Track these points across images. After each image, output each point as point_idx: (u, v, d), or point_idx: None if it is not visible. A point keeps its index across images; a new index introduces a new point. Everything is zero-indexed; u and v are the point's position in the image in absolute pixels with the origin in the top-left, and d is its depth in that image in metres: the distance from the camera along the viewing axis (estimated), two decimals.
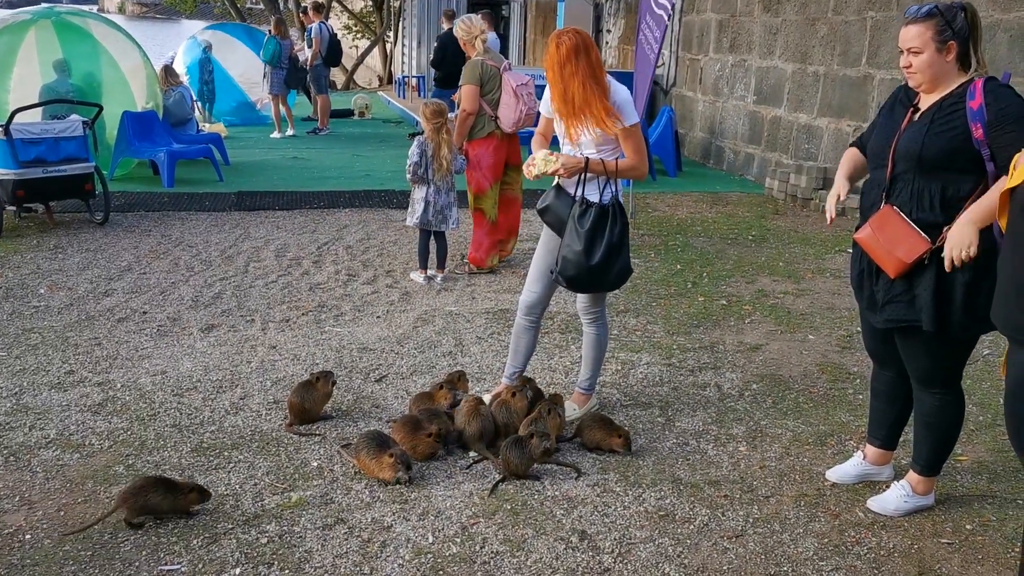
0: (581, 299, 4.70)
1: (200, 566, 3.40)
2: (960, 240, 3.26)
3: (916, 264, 3.47)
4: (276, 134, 16.15)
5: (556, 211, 4.44)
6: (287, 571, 3.38)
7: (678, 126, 14.09)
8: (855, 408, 5.02)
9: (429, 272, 7.43)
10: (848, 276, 4.15)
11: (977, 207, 3.31)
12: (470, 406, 4.46)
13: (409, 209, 7.41)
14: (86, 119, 9.15)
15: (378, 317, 6.48)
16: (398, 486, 4.01)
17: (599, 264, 4.29)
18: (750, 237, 9.31)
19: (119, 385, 5.17)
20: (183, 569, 3.39)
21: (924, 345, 3.63)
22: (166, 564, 3.41)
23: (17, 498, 3.88)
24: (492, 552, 3.53)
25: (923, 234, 3.45)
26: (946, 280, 3.47)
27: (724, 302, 7.00)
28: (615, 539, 3.63)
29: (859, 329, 6.03)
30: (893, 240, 3.50)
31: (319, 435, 4.55)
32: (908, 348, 3.71)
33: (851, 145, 3.94)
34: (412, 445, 4.26)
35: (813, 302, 7.07)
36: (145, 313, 6.49)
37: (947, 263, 3.31)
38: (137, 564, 3.41)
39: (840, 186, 3.84)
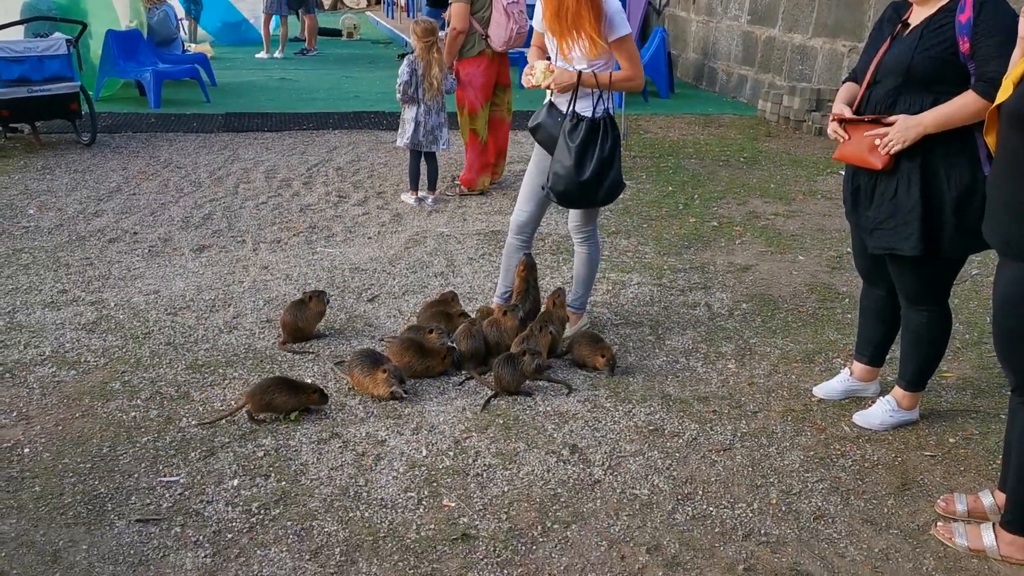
0: (573, 217, 4.67)
1: (198, 478, 3.45)
2: (903, 133, 3.37)
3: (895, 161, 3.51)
4: (263, 54, 15.87)
5: (548, 128, 4.37)
6: (284, 482, 3.43)
7: (671, 47, 13.87)
8: (843, 327, 5.05)
9: (420, 194, 7.37)
10: (840, 198, 4.13)
11: (935, 111, 3.32)
12: (463, 328, 4.48)
13: (399, 130, 7.30)
14: (70, 37, 8.92)
15: (369, 238, 6.45)
16: (392, 402, 4.06)
17: (590, 179, 4.24)
18: (742, 159, 9.24)
19: (112, 304, 5.16)
20: (182, 480, 3.43)
21: (913, 266, 3.65)
22: (165, 476, 3.46)
23: (15, 413, 3.90)
24: (485, 465, 3.58)
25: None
26: (934, 201, 3.47)
27: (715, 223, 6.98)
28: (605, 452, 3.68)
29: (849, 250, 6.13)
30: (866, 143, 3.53)
31: (312, 353, 4.56)
32: (897, 269, 3.73)
33: (845, 81, 3.89)
34: (426, 366, 4.27)
35: (803, 223, 7.06)
36: (136, 234, 6.44)
37: (881, 145, 3.43)
38: (136, 476, 3.45)
39: (839, 108, 3.79)
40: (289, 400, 3.84)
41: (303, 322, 4.66)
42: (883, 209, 3.62)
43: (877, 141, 3.50)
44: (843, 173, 3.91)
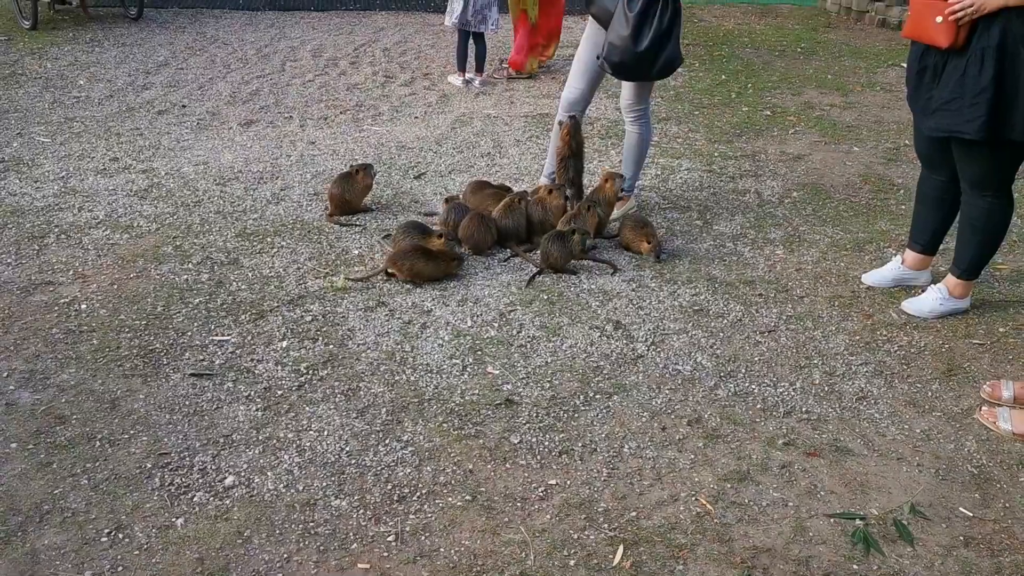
0: (625, 95, 4.54)
1: (248, 338, 3.50)
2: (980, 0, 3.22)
3: (964, 32, 3.32)
4: None
5: (603, 2, 4.20)
6: (331, 346, 3.46)
7: None
8: (896, 218, 4.92)
9: (467, 75, 7.23)
10: (902, 92, 3.94)
11: None
12: (508, 202, 4.41)
13: (448, 8, 7.14)
14: None
15: (416, 118, 6.37)
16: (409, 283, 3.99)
17: (646, 50, 4.10)
18: (799, 49, 8.91)
19: (163, 173, 5.19)
20: (233, 340, 3.50)
21: (980, 150, 3.50)
22: (217, 335, 3.54)
23: (71, 272, 3.97)
24: (528, 336, 3.59)
25: None
26: (1007, 84, 3.30)
27: (768, 113, 6.79)
28: (649, 329, 3.67)
29: (907, 143, 5.92)
30: (930, 10, 3.38)
31: (359, 226, 4.55)
32: (962, 153, 3.58)
33: None
34: (432, 270, 4.07)
35: (860, 115, 6.82)
36: (184, 107, 6.42)
37: (949, 11, 3.27)
38: (190, 334, 3.52)
39: None
40: (429, 267, 3.92)
41: (350, 194, 4.64)
42: (949, 89, 3.44)
43: (940, 18, 3.33)
44: (904, 66, 3.71)
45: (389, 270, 3.95)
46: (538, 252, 4.21)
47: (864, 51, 8.94)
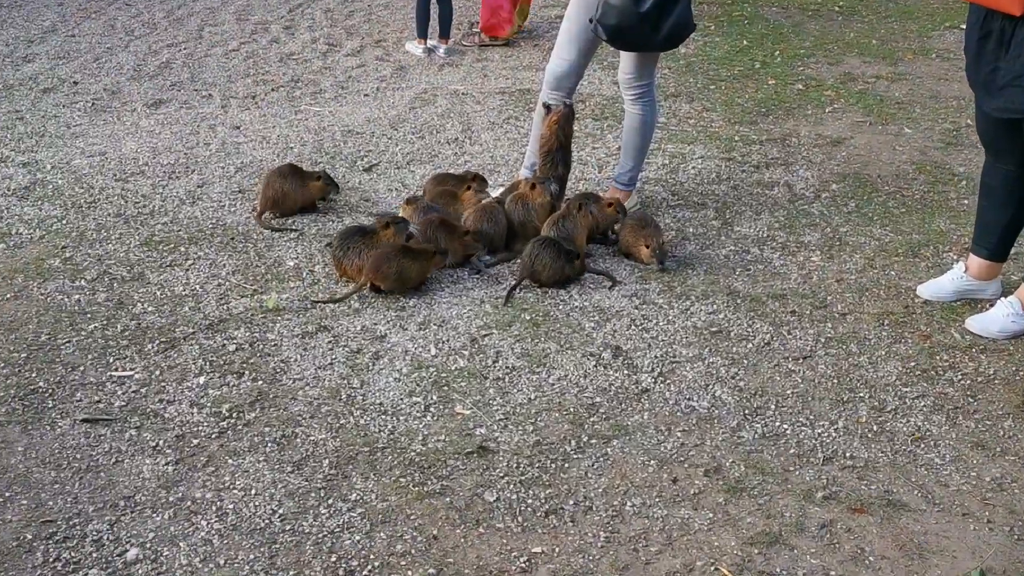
0: (625, 66, 4.51)
1: (157, 373, 3.45)
2: None
3: None
4: None
5: None
6: (260, 382, 3.41)
7: None
8: (958, 215, 4.93)
9: (429, 43, 7.21)
10: (962, 61, 3.96)
11: None
12: (483, 205, 4.38)
13: None
14: None
15: (366, 96, 6.35)
16: (392, 293, 3.99)
17: (650, 11, 4.07)
18: (836, 8, 8.95)
19: (48, 167, 5.14)
20: (137, 375, 3.44)
21: None
22: (117, 370, 3.48)
23: None
24: (507, 367, 3.53)
25: None
26: None
27: (800, 86, 6.80)
28: (656, 356, 3.62)
29: (969, 122, 5.92)
30: None
31: (295, 231, 4.51)
32: None
33: None
34: (450, 249, 4.19)
35: (912, 89, 6.85)
36: (76, 84, 6.37)
37: None
38: (82, 369, 3.46)
39: None
40: (417, 267, 3.96)
41: (298, 195, 4.56)
42: (1022, 62, 3.48)
43: None
44: (964, 28, 3.72)
45: (374, 283, 3.95)
46: (519, 261, 4.17)
47: (915, 10, 8.97)
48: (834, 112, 6.40)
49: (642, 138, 4.66)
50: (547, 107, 4.49)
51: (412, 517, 2.83)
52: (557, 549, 2.73)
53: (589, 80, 6.53)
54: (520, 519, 2.84)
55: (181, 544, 2.70)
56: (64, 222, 4.55)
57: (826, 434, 3.26)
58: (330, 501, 2.88)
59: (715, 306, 4.05)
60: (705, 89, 6.71)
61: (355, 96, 6.36)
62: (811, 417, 3.34)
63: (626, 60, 4.50)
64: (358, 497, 2.90)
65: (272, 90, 6.40)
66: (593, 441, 3.17)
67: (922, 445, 3.22)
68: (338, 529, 2.78)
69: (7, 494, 2.86)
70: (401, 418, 3.25)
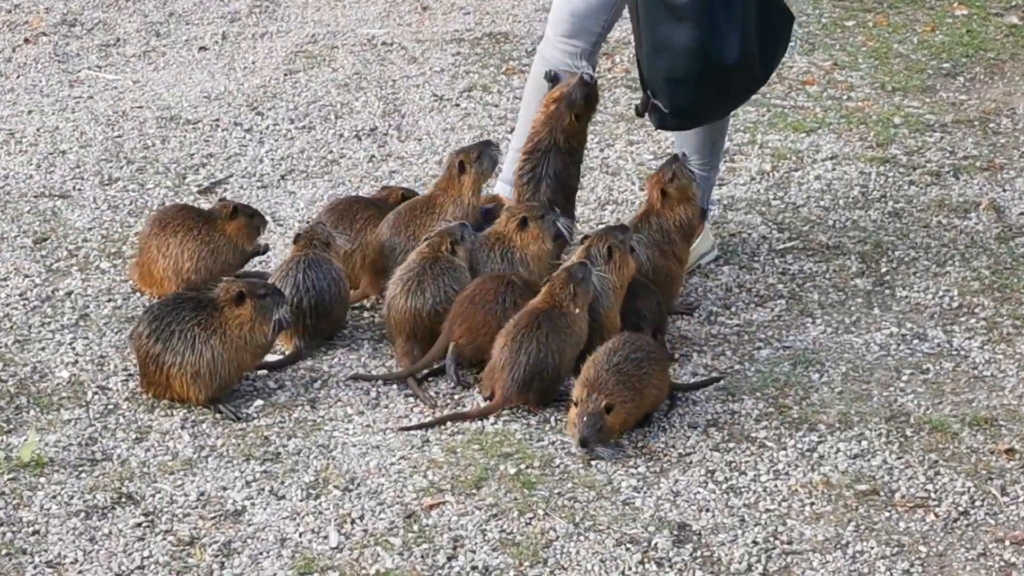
0: None
1: None
2: None
3: None
4: None
5: None
6: None
7: None
8: None
9: None
10: None
11: None
12: (426, 250, 3.79)
13: None
14: None
15: (202, 50, 5.69)
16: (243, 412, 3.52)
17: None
18: None
19: None
20: None
21: None
22: None
23: None
24: (476, 571, 3.09)
25: None
26: None
27: (1018, 19, 6.27)
28: (755, 543, 3.15)
29: None
30: None
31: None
32: None
33: None
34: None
35: None
36: None
37: None
38: None
39: None
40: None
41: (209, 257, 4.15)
42: None
43: None
44: None
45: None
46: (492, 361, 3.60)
47: None
48: None
49: (716, 131, 4.29)
50: (552, 77, 4.08)
51: None
52: None
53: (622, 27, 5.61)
54: None
55: None
56: None
57: None
58: None
59: (863, 442, 3.47)
60: (836, 28, 6.06)
61: (181, 52, 5.71)
62: None
63: None
64: None
65: (26, 41, 5.74)
66: None
67: None
68: None
69: None
70: None
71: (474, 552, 3.10)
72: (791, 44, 5.37)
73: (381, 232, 4.13)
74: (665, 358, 3.75)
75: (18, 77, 5.55)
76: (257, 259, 4.30)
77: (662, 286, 4.01)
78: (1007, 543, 3.12)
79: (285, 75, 5.59)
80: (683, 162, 4.07)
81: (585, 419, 3.50)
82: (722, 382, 3.77)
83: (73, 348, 3.84)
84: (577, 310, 3.72)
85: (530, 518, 3.15)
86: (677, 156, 4.13)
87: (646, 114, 4.02)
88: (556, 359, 3.66)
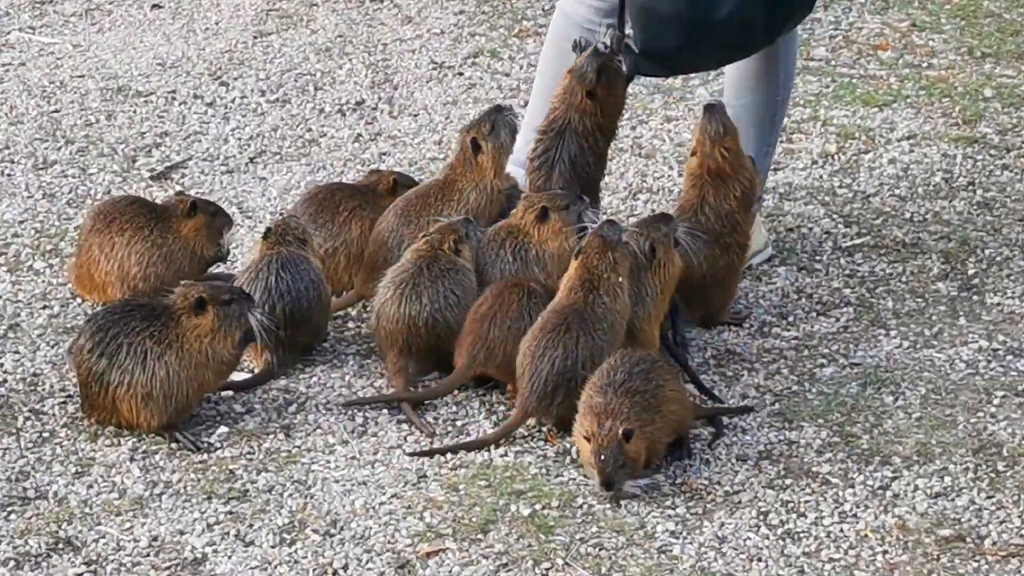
0: None
1: None
2: None
3: None
4: None
5: None
6: None
7: None
8: None
9: None
10: None
11: None
12: (424, 247, 3.58)
13: None
14: None
15: (156, 6, 5.48)
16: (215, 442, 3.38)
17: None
18: None
19: None
20: None
21: None
22: None
23: None
24: None
25: None
26: None
27: None
28: None
29: None
30: None
31: None
32: None
33: None
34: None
35: None
36: None
37: None
38: None
39: None
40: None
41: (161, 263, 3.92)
42: None
43: None
44: None
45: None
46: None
47: None
48: None
49: (772, 101, 4.06)
50: (578, 44, 3.86)
51: None
52: None
53: None
54: None
55: None
56: None
57: None
58: None
59: (946, 479, 3.26)
60: None
61: (130, 10, 5.53)
62: None
63: None
64: None
65: None
66: None
67: None
68: None
69: None
70: None
71: None
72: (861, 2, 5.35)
73: (385, 221, 3.86)
74: (673, 368, 3.53)
75: None
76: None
77: (717, 286, 3.82)
78: None
79: (254, 38, 5.40)
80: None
81: (603, 456, 3.29)
82: (776, 406, 3.51)
83: (0, 365, 3.59)
84: (621, 279, 3.47)
85: (547, 569, 2.98)
86: (714, 104, 3.93)
87: (623, 57, 3.81)
88: (588, 366, 3.42)
